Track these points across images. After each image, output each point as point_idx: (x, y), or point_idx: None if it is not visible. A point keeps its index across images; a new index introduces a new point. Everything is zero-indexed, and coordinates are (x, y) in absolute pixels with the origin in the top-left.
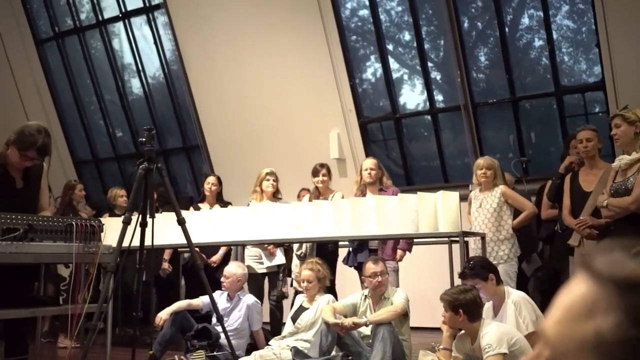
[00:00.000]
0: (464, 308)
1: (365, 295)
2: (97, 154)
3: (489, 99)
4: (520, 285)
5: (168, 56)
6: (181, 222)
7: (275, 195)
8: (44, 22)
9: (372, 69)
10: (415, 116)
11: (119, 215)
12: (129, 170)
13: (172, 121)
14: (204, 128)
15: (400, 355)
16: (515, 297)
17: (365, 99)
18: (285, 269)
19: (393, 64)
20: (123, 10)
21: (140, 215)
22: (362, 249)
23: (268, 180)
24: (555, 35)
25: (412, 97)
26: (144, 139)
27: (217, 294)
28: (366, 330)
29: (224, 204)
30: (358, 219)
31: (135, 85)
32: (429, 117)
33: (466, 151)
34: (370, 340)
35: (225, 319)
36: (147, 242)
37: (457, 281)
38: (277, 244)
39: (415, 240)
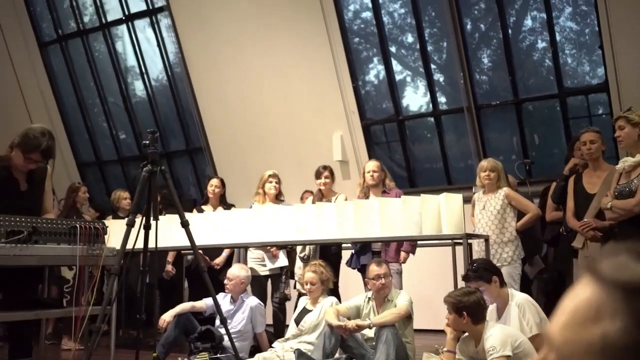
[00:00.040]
0: (468, 310)
1: (369, 298)
2: (101, 156)
3: (492, 101)
4: (523, 288)
5: (171, 59)
6: (185, 224)
7: (278, 198)
8: (48, 25)
9: (374, 71)
10: (418, 118)
11: (123, 218)
12: (132, 172)
13: (175, 123)
14: (207, 130)
15: (404, 357)
16: (519, 299)
17: (368, 101)
18: (288, 271)
19: (396, 65)
20: (126, 13)
21: (144, 218)
22: (365, 251)
23: (270, 182)
24: (558, 37)
25: (415, 99)
26: (147, 142)
27: (220, 296)
28: (370, 333)
29: (227, 206)
30: (361, 221)
31: (138, 87)
32: (432, 119)
33: (469, 153)
34: (374, 343)
35: (228, 321)
36: (151, 245)
37: (461, 283)
38: (280, 246)
39: (418, 242)
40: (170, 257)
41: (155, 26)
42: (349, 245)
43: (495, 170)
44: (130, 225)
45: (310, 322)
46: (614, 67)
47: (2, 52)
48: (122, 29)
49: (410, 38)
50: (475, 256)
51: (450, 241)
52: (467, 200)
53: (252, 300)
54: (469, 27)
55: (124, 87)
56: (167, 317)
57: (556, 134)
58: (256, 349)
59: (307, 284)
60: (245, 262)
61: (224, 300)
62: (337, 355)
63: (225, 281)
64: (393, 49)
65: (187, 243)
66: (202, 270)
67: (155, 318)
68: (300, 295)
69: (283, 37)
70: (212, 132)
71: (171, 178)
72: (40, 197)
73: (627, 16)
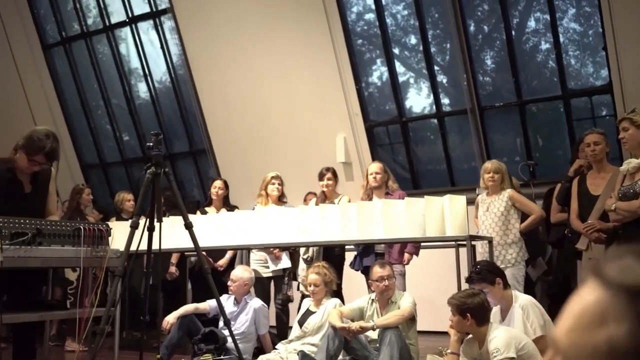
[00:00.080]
0: (472, 312)
1: (373, 299)
2: (104, 158)
3: (495, 103)
4: (527, 289)
5: (174, 61)
6: (188, 226)
7: (281, 199)
8: (52, 27)
9: (378, 73)
10: (422, 120)
11: (126, 219)
12: (135, 174)
13: (179, 125)
14: (211, 132)
15: (408, 359)
16: (522, 301)
17: (371, 102)
18: (291, 273)
19: (399, 67)
20: (130, 15)
21: (148, 220)
22: (369, 253)
23: (273, 184)
24: (562, 39)
25: (418, 100)
26: (151, 144)
27: (224, 298)
28: (373, 335)
29: (231, 207)
30: (364, 222)
31: (142, 89)
32: (435, 121)
33: (473, 155)
34: (378, 345)
35: (232, 322)
36: (155, 246)
37: (465, 285)
38: (283, 247)
39: (422, 244)
40: (173, 258)
41: (159, 28)
42: (352, 247)
43: (499, 171)
44: (134, 227)
45: (313, 324)
46: (618, 69)
47: (6, 55)
48: (126, 31)
49: (413, 39)
50: (478, 258)
51: (453, 243)
52: (470, 202)
53: (256, 302)
54: (472, 28)
55: (127, 89)
56: (171, 318)
57: (560, 136)
58: (260, 350)
59: (310, 286)
60: (247, 264)
61: (227, 302)
62: (340, 357)
63: (229, 283)
64: (396, 51)
65: (191, 245)
66: (206, 272)
67: (158, 319)
68: (303, 296)
69: (287, 40)
70: (216, 134)
71: (175, 180)
72: (44, 199)
73: (631, 17)
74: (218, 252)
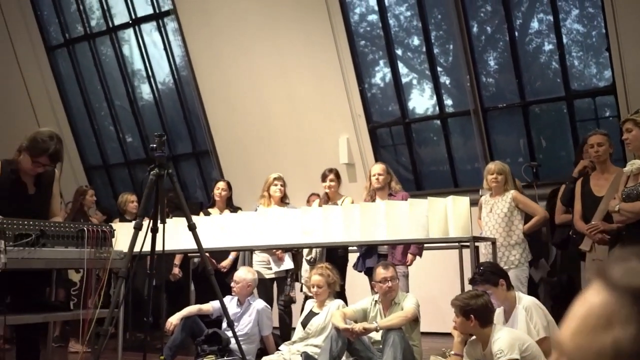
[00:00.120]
0: (476, 313)
1: (376, 301)
2: (108, 159)
3: (498, 104)
4: (531, 291)
5: (178, 62)
6: (192, 227)
7: (283, 200)
8: (55, 29)
9: (381, 74)
10: (425, 121)
11: (130, 221)
12: (139, 175)
13: (182, 127)
14: (214, 133)
15: None
16: (526, 302)
17: (374, 103)
18: (293, 274)
19: (402, 68)
20: (133, 16)
21: (151, 221)
22: (371, 254)
23: (276, 185)
24: (565, 40)
25: (421, 101)
26: (154, 145)
27: (227, 299)
28: (376, 336)
29: (234, 209)
30: (368, 224)
31: (145, 91)
32: (438, 122)
33: (476, 156)
34: (381, 346)
35: (235, 324)
36: (158, 248)
37: (468, 286)
38: (286, 249)
39: (425, 245)
40: (177, 260)
41: (162, 30)
42: (356, 248)
43: (502, 173)
44: (138, 228)
45: (317, 325)
46: (621, 70)
47: (9, 56)
48: (129, 32)
49: (416, 41)
50: (482, 259)
51: (457, 244)
52: (474, 203)
53: (259, 303)
54: (475, 29)
55: (130, 91)
56: (174, 319)
57: (563, 137)
58: (263, 351)
59: (313, 287)
60: (250, 265)
61: (230, 303)
62: (343, 359)
63: (232, 284)
64: (399, 52)
65: (194, 246)
66: (209, 273)
67: (162, 321)
68: (306, 298)
69: (290, 41)
70: (219, 135)
71: (178, 181)
72: (48, 201)
73: (634, 18)
74: (221, 254)
